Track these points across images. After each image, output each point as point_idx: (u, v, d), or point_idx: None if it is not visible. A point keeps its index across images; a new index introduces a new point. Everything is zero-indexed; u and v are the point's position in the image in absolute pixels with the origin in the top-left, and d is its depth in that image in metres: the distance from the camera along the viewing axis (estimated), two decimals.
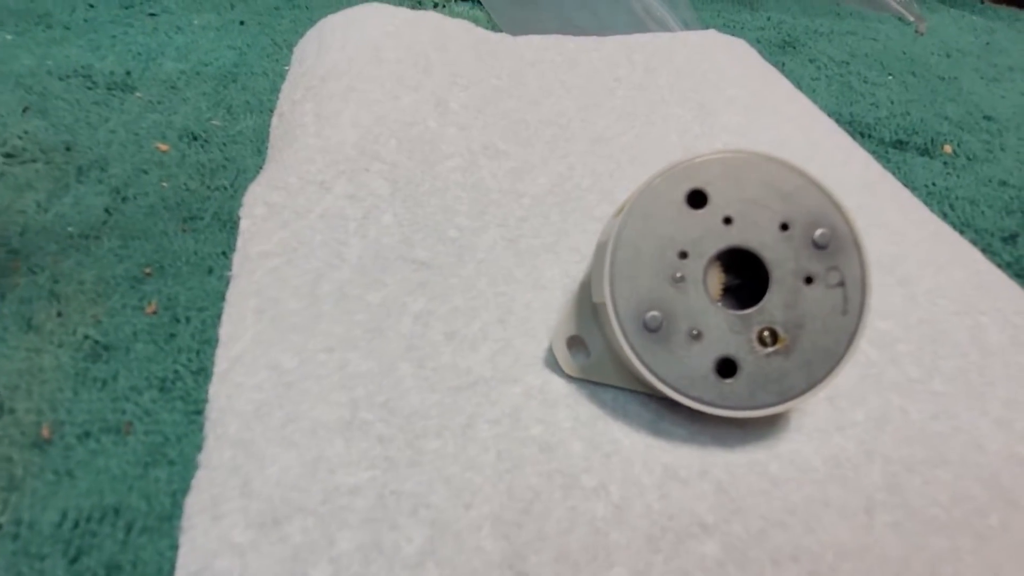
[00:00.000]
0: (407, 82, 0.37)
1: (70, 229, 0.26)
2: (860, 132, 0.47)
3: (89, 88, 0.35)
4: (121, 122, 0.32)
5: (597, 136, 0.39)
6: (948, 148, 0.46)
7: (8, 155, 0.29)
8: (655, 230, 0.22)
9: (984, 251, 0.37)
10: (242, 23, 0.45)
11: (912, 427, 0.25)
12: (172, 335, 0.23)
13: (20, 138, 0.30)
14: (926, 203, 0.41)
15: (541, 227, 0.32)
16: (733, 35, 0.60)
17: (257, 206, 0.29)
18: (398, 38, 0.40)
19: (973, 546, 0.21)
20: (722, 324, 0.22)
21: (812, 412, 0.25)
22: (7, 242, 0.25)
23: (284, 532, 0.18)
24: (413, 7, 0.55)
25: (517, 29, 0.51)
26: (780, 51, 0.58)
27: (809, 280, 0.22)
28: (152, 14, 0.44)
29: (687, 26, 0.55)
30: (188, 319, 0.24)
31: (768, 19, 0.65)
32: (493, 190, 0.33)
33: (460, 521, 0.19)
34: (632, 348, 0.22)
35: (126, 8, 0.45)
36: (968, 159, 0.45)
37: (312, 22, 0.47)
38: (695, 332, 0.22)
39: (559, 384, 0.24)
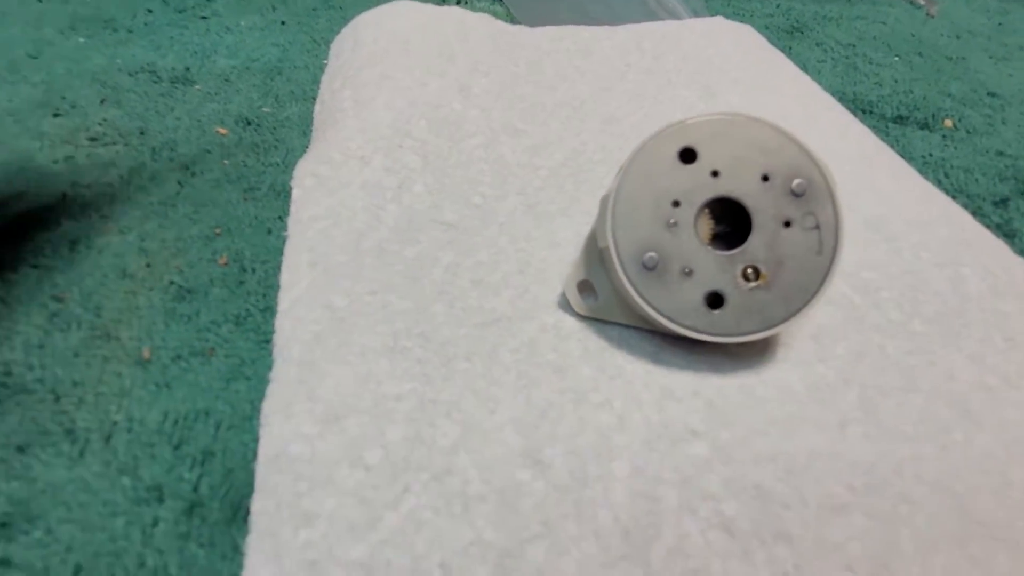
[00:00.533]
0: (434, 70, 0.41)
1: (150, 199, 0.31)
2: (862, 109, 0.49)
3: (155, 82, 0.39)
4: (185, 111, 0.37)
5: (609, 116, 0.42)
6: (949, 122, 0.49)
7: (92, 139, 0.34)
8: (651, 183, 0.26)
9: (974, 214, 0.39)
10: (283, 23, 0.49)
11: (888, 360, 0.28)
12: (241, 282, 0.27)
13: (100, 125, 0.35)
14: (921, 172, 0.43)
15: (556, 195, 0.35)
16: (742, 21, 0.63)
17: (306, 178, 0.33)
18: (425, 31, 0.44)
19: (936, 454, 0.24)
20: (711, 263, 0.25)
21: (797, 347, 0.28)
22: (99, 209, 0.29)
23: (343, 426, 0.22)
24: (438, 3, 0.60)
25: (535, 22, 0.54)
26: (788, 36, 0.60)
27: (787, 224, 0.25)
28: (204, 17, 0.49)
29: (696, 15, 0.58)
30: (254, 269, 0.28)
31: (777, 6, 0.67)
32: (513, 164, 0.37)
33: (486, 422, 0.23)
34: (632, 285, 0.25)
35: (180, 12, 0.49)
36: (968, 132, 0.48)
37: (346, 21, 0.52)
38: (687, 270, 0.25)
39: (571, 322, 0.28)
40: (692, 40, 0.50)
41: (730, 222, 0.26)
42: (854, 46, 0.60)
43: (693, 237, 0.25)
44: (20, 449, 0.20)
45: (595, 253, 0.28)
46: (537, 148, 0.38)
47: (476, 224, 0.33)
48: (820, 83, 0.53)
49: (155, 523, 0.19)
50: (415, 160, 0.35)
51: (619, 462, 0.22)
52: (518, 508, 0.20)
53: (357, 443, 0.21)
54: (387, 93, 0.38)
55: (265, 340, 0.24)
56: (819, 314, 0.30)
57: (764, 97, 0.44)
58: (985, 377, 0.28)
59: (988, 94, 0.53)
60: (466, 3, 0.56)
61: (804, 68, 0.55)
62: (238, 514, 0.20)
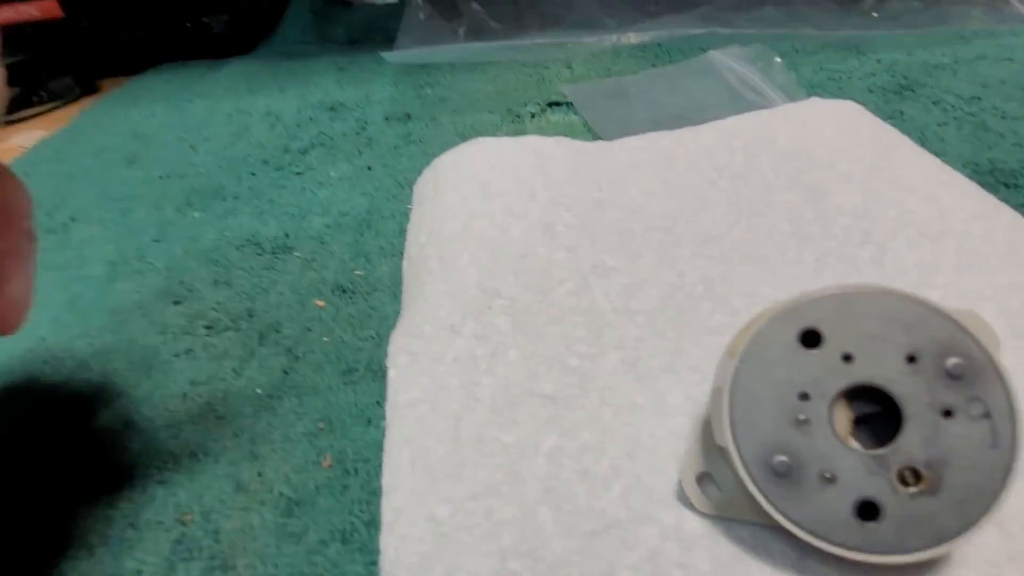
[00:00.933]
0: (515, 211, 0.41)
1: (258, 391, 0.32)
2: (1003, 183, 0.43)
3: (259, 255, 0.42)
4: (287, 284, 0.39)
5: (704, 235, 0.40)
6: None
7: (208, 327, 0.36)
8: (771, 374, 0.23)
9: None
10: (369, 168, 0.52)
11: None
12: (345, 487, 0.27)
13: (214, 310, 0.37)
14: None
15: (657, 346, 0.33)
16: (839, 88, 0.58)
17: (400, 355, 0.33)
18: (503, 169, 0.44)
19: None
20: (857, 465, 0.22)
21: (977, 541, 0.23)
22: (215, 408, 0.30)
23: None
24: (514, 120, 0.60)
25: (612, 126, 0.53)
26: (897, 98, 0.55)
27: (948, 413, 0.21)
28: (299, 172, 0.52)
29: (785, 92, 0.54)
30: (356, 470, 0.28)
31: (878, 62, 0.62)
32: (607, 311, 0.35)
33: None
34: (763, 494, 0.22)
35: (278, 170, 0.53)
36: None
37: (425, 156, 0.53)
38: (828, 475, 0.22)
39: (694, 522, 0.25)
40: (787, 132, 0.46)
41: (871, 403, 0.23)
42: (979, 98, 0.54)
43: (830, 435, 0.22)
44: None
45: (712, 443, 0.25)
46: (631, 288, 0.36)
47: (575, 393, 0.31)
48: (946, 154, 0.47)
49: None
50: (506, 322, 0.34)
51: None
52: None
53: None
54: (471, 247, 0.38)
55: (371, 561, 0.24)
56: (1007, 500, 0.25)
57: (881, 194, 0.39)
58: None
59: None
60: (539, 116, 0.56)
61: (923, 138, 0.50)
62: None
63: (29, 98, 0.78)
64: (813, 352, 0.23)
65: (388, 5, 0.96)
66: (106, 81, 0.84)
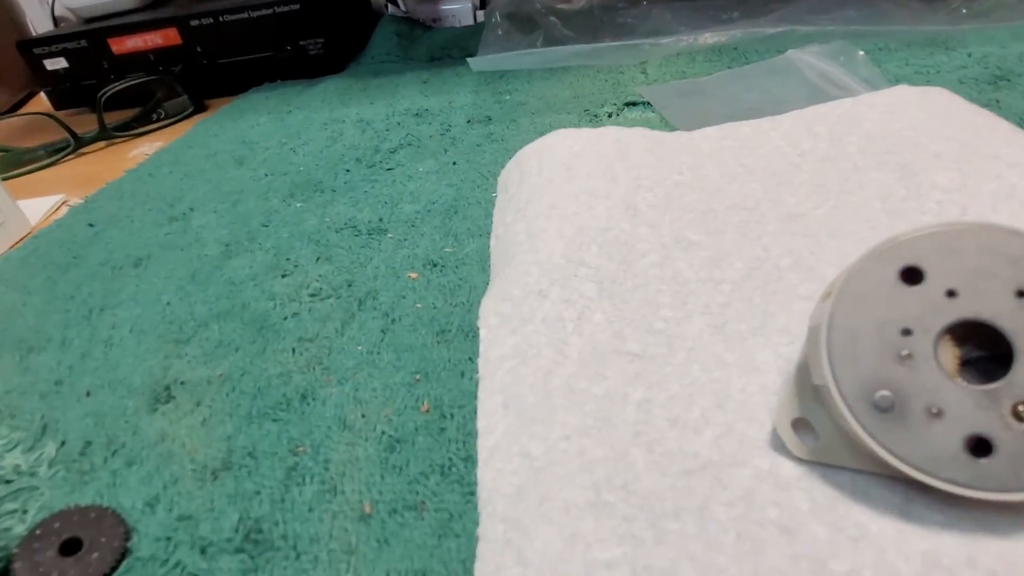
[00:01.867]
0: (598, 192, 0.42)
1: (359, 348, 0.34)
2: None
3: (356, 236, 0.45)
4: (382, 259, 0.41)
5: (788, 214, 0.40)
6: None
7: (312, 295, 0.39)
8: (871, 311, 0.23)
9: None
10: (454, 163, 0.54)
11: None
12: (442, 429, 0.28)
13: (317, 281, 0.40)
14: None
15: (745, 311, 0.33)
16: (927, 81, 0.57)
17: (491, 317, 0.34)
18: (584, 156, 0.46)
19: None
20: (965, 400, 0.21)
21: None
22: (320, 361, 0.33)
23: None
24: (591, 120, 0.62)
25: (689, 121, 0.54)
26: (992, 88, 0.53)
27: None
28: (389, 168, 0.56)
29: (870, 85, 0.54)
30: (452, 415, 0.29)
31: (969, 55, 0.60)
32: (691, 280, 0.36)
33: None
34: (867, 431, 0.22)
35: (370, 167, 0.57)
36: None
37: (507, 152, 0.56)
38: (935, 410, 0.22)
39: (789, 467, 0.25)
40: (873, 117, 0.46)
41: (981, 345, 0.22)
42: None
43: (935, 369, 0.22)
44: None
45: (808, 387, 0.25)
46: (715, 259, 0.37)
47: (663, 352, 0.31)
48: None
49: None
50: (591, 288, 0.36)
51: None
52: None
53: None
54: (556, 222, 0.40)
55: (470, 492, 0.25)
56: None
57: (980, 169, 0.38)
58: None
59: None
60: (617, 116, 0.58)
61: (1021, 123, 0.48)
62: None
63: (150, 115, 0.88)
64: (915, 288, 0.22)
65: (467, 26, 1.01)
66: (215, 100, 0.92)
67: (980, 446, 0.21)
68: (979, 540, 0.21)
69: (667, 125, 0.56)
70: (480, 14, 1.02)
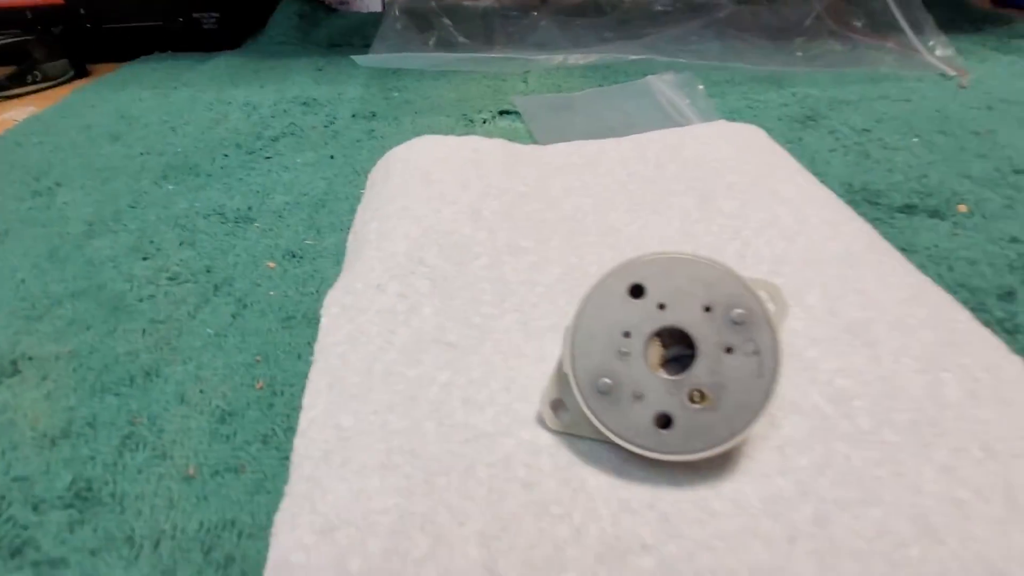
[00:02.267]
0: (448, 198, 0.47)
1: (208, 331, 0.38)
2: (868, 200, 0.51)
3: (223, 223, 0.48)
4: (244, 248, 0.45)
5: (608, 228, 0.46)
6: (963, 207, 0.49)
7: (170, 278, 0.41)
8: (605, 316, 0.29)
9: (975, 310, 0.40)
10: (332, 157, 0.58)
11: (852, 472, 0.29)
12: (272, 404, 0.32)
13: (178, 265, 0.43)
14: (924, 266, 0.44)
15: (549, 310, 0.39)
16: (755, 115, 0.66)
17: (333, 307, 0.39)
18: (444, 162, 0.51)
19: (886, 571, 0.25)
20: (659, 387, 0.28)
21: (760, 459, 0.30)
22: (168, 342, 0.36)
23: (335, 537, 0.26)
24: (467, 124, 0.67)
25: (551, 135, 0.60)
26: (800, 126, 0.63)
27: (729, 350, 0.28)
28: (268, 157, 0.58)
29: (704, 115, 0.62)
30: (283, 392, 0.33)
31: (793, 95, 0.70)
32: (513, 282, 0.42)
33: (454, 535, 0.26)
34: (590, 408, 0.29)
35: (249, 154, 0.59)
36: (983, 217, 0.47)
37: (384, 150, 0.60)
38: (638, 394, 0.28)
39: (546, 437, 0.31)
40: (694, 147, 0.53)
41: (681, 349, 0.29)
42: (869, 131, 0.62)
43: (642, 364, 0.29)
44: (92, 553, 0.25)
45: (562, 374, 0.31)
46: (537, 265, 0.43)
47: (474, 343, 0.37)
48: (828, 175, 0.55)
49: None
50: (425, 285, 0.41)
51: (569, 574, 0.25)
52: None
53: (344, 553, 0.26)
54: (406, 223, 0.45)
55: (285, 457, 0.30)
56: (786, 425, 0.31)
57: (757, 201, 0.46)
58: (955, 490, 0.28)
59: (1014, 171, 0.53)
60: (490, 123, 0.63)
61: (813, 160, 0.57)
62: None
63: (24, 76, 0.84)
64: (637, 301, 0.29)
65: (371, 13, 1.03)
66: (99, 66, 0.89)
67: (664, 421, 0.28)
68: (663, 491, 0.28)
69: (531, 136, 0.62)
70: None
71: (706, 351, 0.28)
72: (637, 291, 0.29)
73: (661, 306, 0.29)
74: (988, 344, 0.35)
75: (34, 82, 0.84)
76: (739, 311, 0.28)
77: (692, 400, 0.28)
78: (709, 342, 0.28)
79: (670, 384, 0.28)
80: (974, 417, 0.31)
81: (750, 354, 0.28)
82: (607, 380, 0.29)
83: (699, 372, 0.28)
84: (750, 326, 0.28)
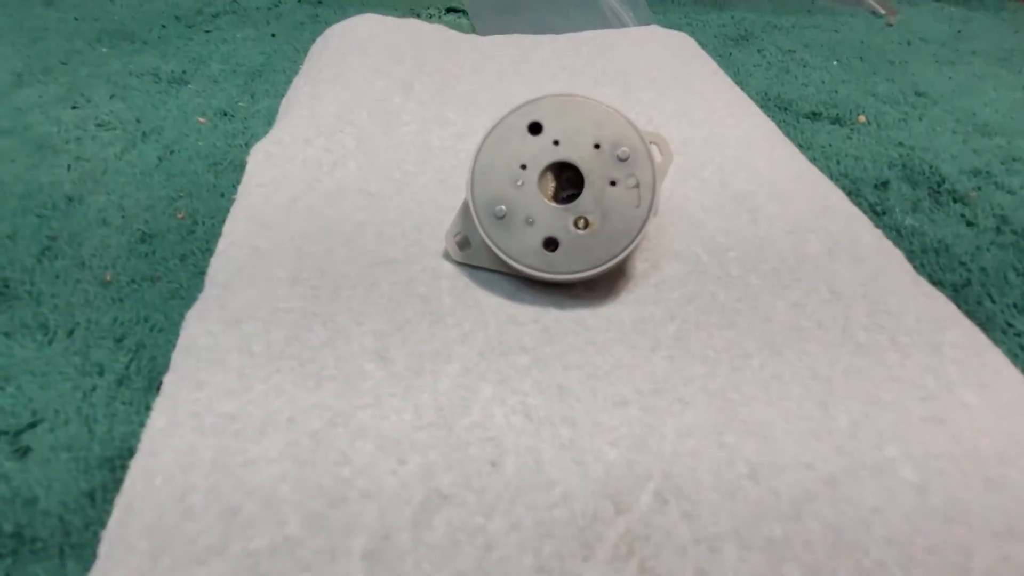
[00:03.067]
0: (382, 70, 0.48)
1: (135, 170, 0.39)
2: (779, 107, 0.54)
3: (156, 82, 0.48)
4: (176, 105, 0.45)
5: None
6: (862, 118, 0.53)
7: (98, 125, 0.42)
8: (504, 150, 0.32)
9: (851, 194, 0.44)
10: (273, 35, 0.58)
11: (716, 304, 0.33)
12: (192, 231, 0.34)
13: (107, 115, 0.43)
14: (815, 159, 0.48)
15: (467, 170, 0.41)
16: (692, 31, 0.68)
17: (259, 154, 0.40)
18: (382, 39, 0.52)
19: (727, 374, 0.29)
20: (548, 214, 0.31)
21: (638, 292, 0.33)
22: (93, 177, 0.37)
23: (241, 327, 0.28)
24: (412, 18, 0.67)
25: (496, 32, 0.61)
26: (733, 44, 0.65)
27: (613, 183, 0.31)
28: (207, 31, 0.58)
29: (641, 24, 0.64)
30: (204, 223, 0.35)
31: (731, 17, 0.72)
32: (436, 147, 0.44)
33: (351, 330, 0.29)
34: (485, 232, 0.31)
35: (189, 27, 0.58)
36: (879, 127, 0.51)
37: None
38: (530, 220, 0.31)
39: (449, 267, 0.34)
40: (625, 46, 0.56)
41: (573, 190, 0.32)
42: (794, 51, 0.65)
43: (536, 193, 0.31)
44: (6, 335, 0.27)
45: (465, 207, 0.34)
46: (462, 134, 0.45)
47: (393, 193, 0.39)
48: (748, 85, 0.58)
49: (94, 388, 0.26)
50: (351, 142, 0.42)
51: (453, 364, 0.28)
52: (358, 387, 0.26)
53: (248, 338, 0.28)
54: (338, 88, 0.46)
55: (202, 272, 0.32)
56: (666, 268, 0.35)
57: (673, 92, 0.49)
58: (800, 320, 0.32)
59: (916, 94, 0.57)
60: (437, 17, 0.64)
61: (737, 72, 0.60)
62: (153, 384, 0.27)
63: None
64: (535, 137, 0.32)
65: None
66: None
67: (551, 244, 0.31)
68: (548, 310, 0.32)
69: (475, 32, 0.63)
70: None
71: (592, 182, 0.31)
72: (535, 128, 0.32)
73: (556, 142, 0.31)
74: (854, 217, 0.39)
75: None
76: (624, 148, 0.31)
77: (577, 226, 0.31)
78: (596, 175, 0.31)
79: (558, 211, 0.31)
80: (828, 268, 0.35)
81: (631, 187, 0.31)
82: (503, 207, 0.31)
83: (584, 201, 0.31)
84: (633, 163, 0.31)
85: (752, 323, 0.32)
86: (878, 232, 0.38)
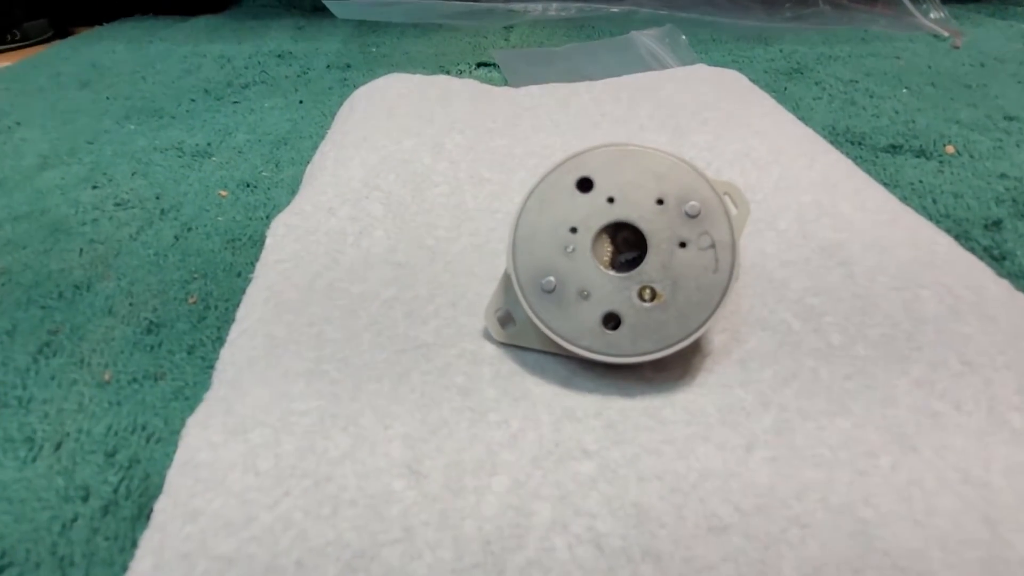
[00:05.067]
0: (411, 130, 0.45)
1: (149, 251, 0.36)
2: (851, 141, 0.48)
3: (179, 156, 0.46)
4: (197, 178, 0.43)
5: None
6: (951, 148, 0.46)
7: (117, 204, 0.39)
8: (550, 212, 0.27)
9: (960, 238, 0.37)
10: (301, 102, 0.56)
11: (820, 384, 0.27)
12: (203, 318, 0.30)
13: (127, 193, 0.41)
14: (907, 199, 0.41)
15: (506, 235, 0.37)
16: (739, 68, 0.64)
17: (279, 228, 0.37)
18: (409, 98, 0.49)
19: (851, 479, 0.23)
20: (607, 285, 0.26)
21: (720, 372, 0.28)
22: (105, 261, 0.34)
23: (247, 436, 0.24)
24: (442, 75, 0.64)
25: (530, 84, 0.58)
26: (786, 78, 0.60)
27: (683, 245, 0.26)
28: (235, 102, 0.56)
29: (686, 65, 0.60)
30: (217, 307, 0.31)
31: (780, 51, 0.68)
32: (472, 209, 0.39)
33: (378, 436, 0.24)
34: (532, 308, 0.26)
35: (217, 99, 0.57)
36: (971, 157, 0.45)
37: None
38: (585, 293, 0.26)
39: (490, 349, 0.29)
40: (669, 88, 0.51)
41: (633, 247, 0.27)
42: (857, 82, 0.60)
43: (590, 260, 0.26)
44: None
45: (511, 283, 0.29)
46: (498, 194, 0.41)
47: (424, 263, 0.35)
48: (812, 120, 0.52)
49: (75, 519, 0.22)
50: (378, 209, 0.39)
51: (500, 477, 0.23)
52: (383, 514, 0.21)
53: (255, 451, 0.23)
54: (364, 152, 0.43)
55: (210, 366, 0.28)
56: (751, 340, 0.29)
57: (730, 134, 0.44)
58: (932, 402, 0.26)
59: (1005, 118, 0.51)
60: (468, 75, 0.61)
61: (796, 107, 0.55)
62: (143, 512, 0.23)
63: (3, 35, 0.82)
64: (585, 195, 0.27)
65: None
66: (81, 28, 0.88)
67: (612, 321, 0.26)
68: (612, 400, 0.26)
69: (508, 85, 0.60)
70: None
71: (657, 246, 0.26)
72: (585, 184, 0.27)
73: (610, 200, 0.27)
74: (971, 265, 0.33)
75: (13, 41, 0.83)
76: (693, 203, 0.26)
77: (642, 298, 0.26)
78: (661, 236, 0.26)
79: (618, 281, 0.26)
80: (954, 332, 0.29)
81: (705, 248, 0.26)
82: (551, 278, 0.26)
83: (650, 268, 0.26)
84: (705, 219, 0.26)
85: (871, 408, 0.25)
86: (1004, 282, 0.32)
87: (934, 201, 0.41)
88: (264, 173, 0.45)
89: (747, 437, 0.24)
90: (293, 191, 0.43)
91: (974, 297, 0.30)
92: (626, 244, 0.27)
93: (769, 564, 0.20)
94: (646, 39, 0.66)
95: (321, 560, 0.20)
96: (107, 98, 0.60)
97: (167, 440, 0.25)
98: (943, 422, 0.25)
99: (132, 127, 0.53)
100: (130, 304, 0.32)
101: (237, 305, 0.33)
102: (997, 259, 0.36)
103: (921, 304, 0.30)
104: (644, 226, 0.26)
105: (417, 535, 0.21)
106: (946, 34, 0.72)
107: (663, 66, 0.60)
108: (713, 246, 0.25)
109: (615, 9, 0.70)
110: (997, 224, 0.38)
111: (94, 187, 0.44)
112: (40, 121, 0.55)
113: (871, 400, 0.26)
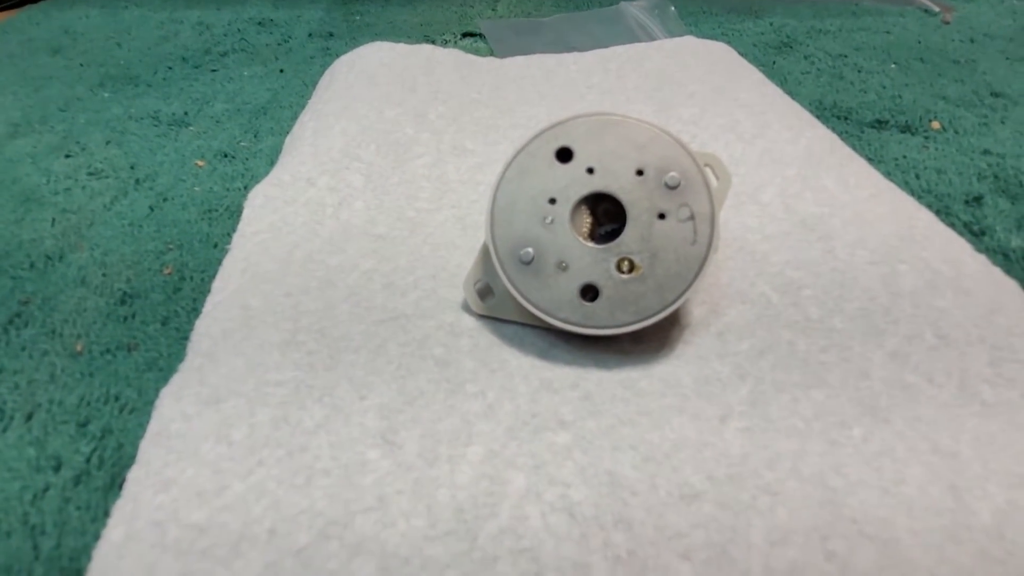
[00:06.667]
0: (393, 100, 0.44)
1: (123, 221, 0.35)
2: (837, 116, 0.48)
3: (155, 125, 0.45)
4: (173, 148, 0.42)
5: None
6: (936, 124, 0.46)
7: (90, 173, 0.39)
8: (529, 182, 0.27)
9: (940, 213, 0.38)
10: (281, 71, 0.54)
11: (796, 357, 0.27)
12: (178, 289, 0.30)
13: (101, 163, 0.40)
14: (890, 174, 0.41)
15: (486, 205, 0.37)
16: (729, 41, 0.63)
17: (257, 198, 0.36)
18: (392, 67, 0.48)
19: (823, 449, 0.23)
20: (585, 256, 0.26)
21: (697, 343, 0.28)
22: (78, 231, 0.33)
23: (220, 407, 0.24)
24: (427, 44, 0.63)
25: (516, 54, 0.57)
26: (775, 52, 0.60)
27: (662, 216, 0.26)
28: (214, 70, 0.55)
29: (675, 37, 0.59)
30: (192, 278, 0.31)
31: (770, 24, 0.67)
32: (454, 180, 0.39)
33: (352, 407, 0.24)
34: (510, 280, 0.26)
35: (195, 67, 0.56)
36: (956, 133, 0.45)
37: None
38: (563, 264, 0.26)
39: (469, 321, 0.29)
40: (657, 59, 0.51)
41: (613, 219, 0.27)
42: (846, 56, 0.59)
43: (568, 232, 0.26)
44: None
45: (489, 253, 0.29)
46: (481, 166, 0.40)
47: (404, 234, 0.34)
48: (799, 94, 0.52)
49: (46, 488, 0.22)
50: (358, 180, 0.38)
51: (475, 447, 0.23)
52: (357, 483, 0.21)
53: (228, 421, 0.23)
54: (344, 121, 0.42)
55: (184, 337, 0.27)
56: (729, 312, 0.29)
57: (717, 107, 0.44)
58: (905, 375, 0.26)
59: (992, 94, 0.50)
60: (453, 44, 0.60)
61: (784, 81, 0.55)
62: (116, 481, 0.22)
63: None
64: (564, 165, 0.27)
65: None
66: None
67: (590, 292, 0.25)
68: (589, 372, 0.26)
69: (494, 56, 0.59)
70: None
71: (637, 217, 0.26)
72: (564, 154, 0.27)
73: (590, 170, 0.26)
74: (950, 240, 0.33)
75: None
76: (673, 174, 0.26)
77: (620, 269, 0.25)
78: (640, 207, 0.26)
79: (597, 252, 0.26)
80: (930, 306, 0.29)
81: (684, 220, 0.25)
82: (529, 250, 0.26)
83: (628, 239, 0.26)
84: (685, 190, 0.26)
85: (845, 380, 0.26)
86: (982, 258, 0.32)
87: (917, 176, 0.41)
88: (242, 143, 0.44)
89: (722, 408, 0.24)
90: (272, 162, 0.43)
91: (951, 272, 0.31)
92: (607, 216, 0.26)
93: (739, 531, 0.20)
94: (635, 10, 0.65)
95: (294, 528, 0.20)
96: (80, 65, 0.58)
97: (140, 411, 0.25)
98: (916, 394, 0.25)
99: (106, 95, 0.52)
100: (103, 275, 0.32)
101: (213, 276, 0.32)
102: (976, 234, 0.36)
103: (899, 278, 0.30)
104: (623, 197, 0.26)
105: (391, 503, 0.21)
106: (937, 9, 0.71)
107: (651, 38, 0.59)
108: (692, 218, 0.25)
109: None
110: (978, 200, 0.38)
111: (67, 156, 0.43)
112: (11, 88, 0.54)
113: (846, 372, 0.26)
